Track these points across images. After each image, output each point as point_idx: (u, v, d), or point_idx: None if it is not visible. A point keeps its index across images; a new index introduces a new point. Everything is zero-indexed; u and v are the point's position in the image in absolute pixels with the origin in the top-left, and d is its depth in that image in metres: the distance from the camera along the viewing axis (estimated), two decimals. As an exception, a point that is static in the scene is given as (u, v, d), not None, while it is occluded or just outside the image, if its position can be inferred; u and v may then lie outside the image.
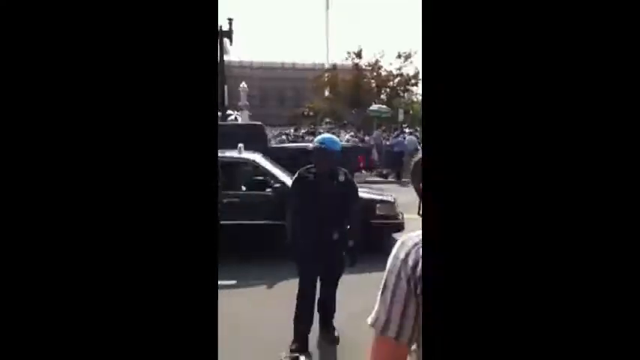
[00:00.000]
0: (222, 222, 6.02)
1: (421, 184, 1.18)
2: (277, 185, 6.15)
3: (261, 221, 6.00)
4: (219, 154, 6.38)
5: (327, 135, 4.20)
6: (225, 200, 5.98)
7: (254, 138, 8.98)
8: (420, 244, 1.06)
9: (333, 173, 3.74)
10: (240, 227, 5.91)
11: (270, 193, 6.20)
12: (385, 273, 1.12)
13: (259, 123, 11.40)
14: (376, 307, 1.13)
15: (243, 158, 6.80)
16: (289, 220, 3.77)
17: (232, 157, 6.61)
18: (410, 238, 1.11)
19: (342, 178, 3.76)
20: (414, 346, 1.11)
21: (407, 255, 1.07)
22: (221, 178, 6.15)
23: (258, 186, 6.52)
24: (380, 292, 1.12)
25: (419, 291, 1.04)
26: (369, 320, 1.13)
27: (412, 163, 1.34)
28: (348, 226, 3.80)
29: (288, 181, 5.49)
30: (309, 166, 3.82)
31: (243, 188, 6.74)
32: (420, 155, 1.29)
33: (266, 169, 6.61)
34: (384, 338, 1.10)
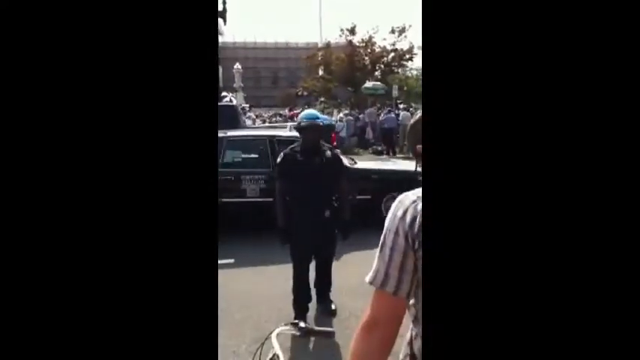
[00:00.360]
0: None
1: (418, 146, 1.19)
2: None
3: None
4: (280, 133, 7.06)
5: (310, 110, 4.15)
6: None
7: (227, 119, 8.89)
8: (417, 201, 1.08)
9: (319, 150, 3.68)
10: None
11: None
12: (383, 232, 1.13)
13: (233, 104, 11.32)
14: (374, 265, 1.14)
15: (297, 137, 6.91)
16: (279, 202, 3.69)
17: (288, 136, 6.76)
18: (407, 196, 1.12)
19: (328, 153, 3.71)
20: (412, 300, 1.13)
21: (404, 212, 1.08)
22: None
23: None
24: (378, 251, 1.14)
25: (417, 246, 1.05)
26: (368, 278, 1.14)
27: (409, 125, 1.34)
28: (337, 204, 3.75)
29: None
30: (292, 145, 3.77)
31: None
32: (417, 117, 1.29)
33: None
34: (383, 292, 1.11)
